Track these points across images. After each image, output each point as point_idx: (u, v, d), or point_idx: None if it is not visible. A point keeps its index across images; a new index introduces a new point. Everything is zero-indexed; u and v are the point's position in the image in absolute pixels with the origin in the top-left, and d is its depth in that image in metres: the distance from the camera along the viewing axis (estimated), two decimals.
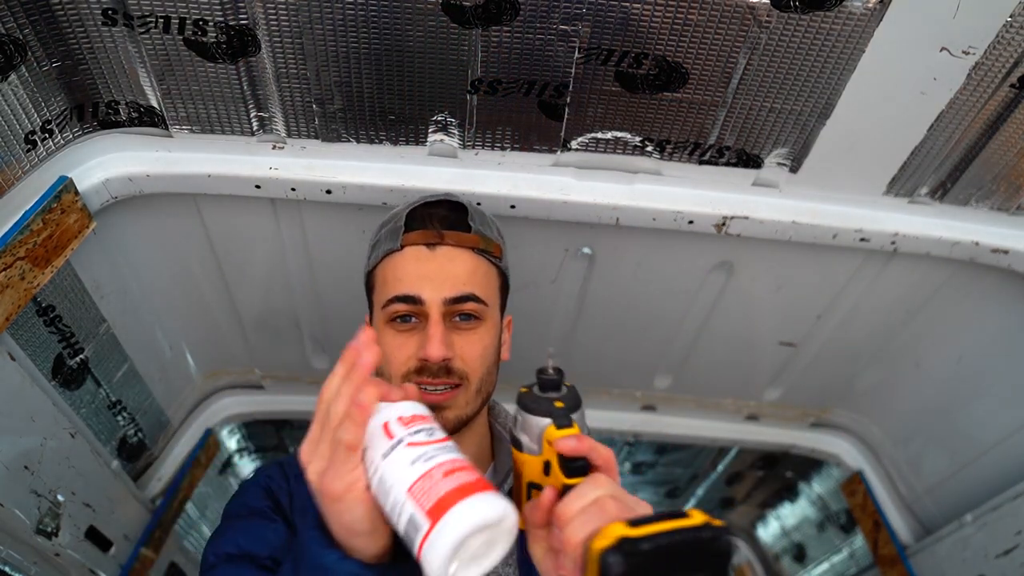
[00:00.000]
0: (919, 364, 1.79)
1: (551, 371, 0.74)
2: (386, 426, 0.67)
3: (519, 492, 0.76)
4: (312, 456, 0.68)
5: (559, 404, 0.72)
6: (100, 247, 1.38)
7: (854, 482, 2.13)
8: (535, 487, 0.74)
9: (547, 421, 0.71)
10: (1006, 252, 1.38)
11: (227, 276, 1.61)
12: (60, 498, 1.39)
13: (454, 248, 1.01)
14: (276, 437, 2.43)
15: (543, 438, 0.71)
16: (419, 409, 0.71)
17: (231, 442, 2.33)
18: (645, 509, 0.65)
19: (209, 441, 2.02)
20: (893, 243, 1.38)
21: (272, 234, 1.48)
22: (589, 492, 0.65)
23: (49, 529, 1.36)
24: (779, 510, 2.73)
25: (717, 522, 0.57)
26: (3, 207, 1.11)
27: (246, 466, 2.50)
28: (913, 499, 1.97)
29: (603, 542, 0.55)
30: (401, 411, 0.69)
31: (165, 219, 1.44)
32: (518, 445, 0.74)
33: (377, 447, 0.66)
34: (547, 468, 0.71)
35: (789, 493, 2.63)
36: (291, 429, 2.40)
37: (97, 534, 1.55)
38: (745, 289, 1.61)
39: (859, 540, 2.22)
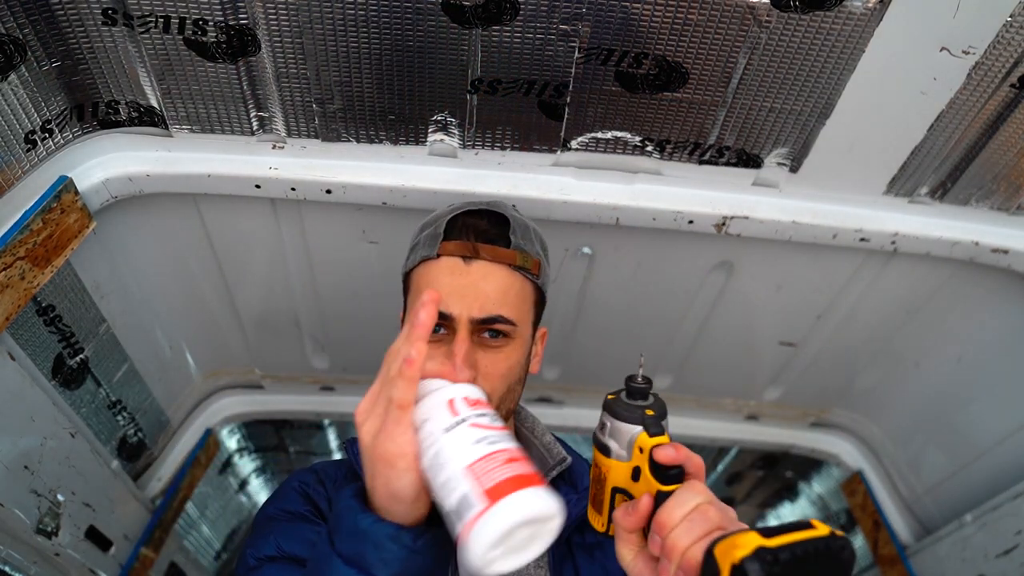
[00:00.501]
0: (919, 364, 1.79)
1: (641, 379, 0.75)
2: (451, 403, 0.67)
3: (601, 496, 0.78)
4: (367, 415, 0.68)
5: (649, 412, 0.73)
6: (100, 247, 1.38)
7: (854, 482, 2.13)
8: (621, 492, 0.75)
9: (639, 428, 0.72)
10: (1006, 252, 1.38)
11: (227, 276, 1.61)
12: (60, 498, 1.39)
13: (489, 264, 0.99)
14: (276, 437, 2.43)
15: (634, 445, 0.72)
16: (483, 395, 0.72)
17: (231, 442, 2.33)
18: (735, 516, 0.67)
19: (209, 441, 2.02)
20: (893, 243, 1.38)
21: (272, 234, 1.48)
22: (690, 499, 0.66)
23: (49, 529, 1.36)
24: (779, 510, 2.73)
25: (840, 533, 0.59)
26: (3, 207, 1.11)
27: (246, 466, 2.50)
28: (913, 499, 1.97)
29: (742, 551, 0.56)
30: (467, 392, 0.70)
31: (165, 219, 1.44)
32: (606, 451, 0.75)
33: (439, 420, 0.66)
34: (635, 474, 0.73)
35: (789, 493, 2.63)
36: (291, 429, 2.40)
37: (97, 534, 1.55)
38: (745, 289, 1.61)
39: (859, 540, 2.22)
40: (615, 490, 0.75)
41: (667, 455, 0.69)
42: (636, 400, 0.75)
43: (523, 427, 1.16)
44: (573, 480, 1.08)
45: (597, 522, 0.79)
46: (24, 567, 1.36)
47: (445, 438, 0.64)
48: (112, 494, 1.60)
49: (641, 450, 0.71)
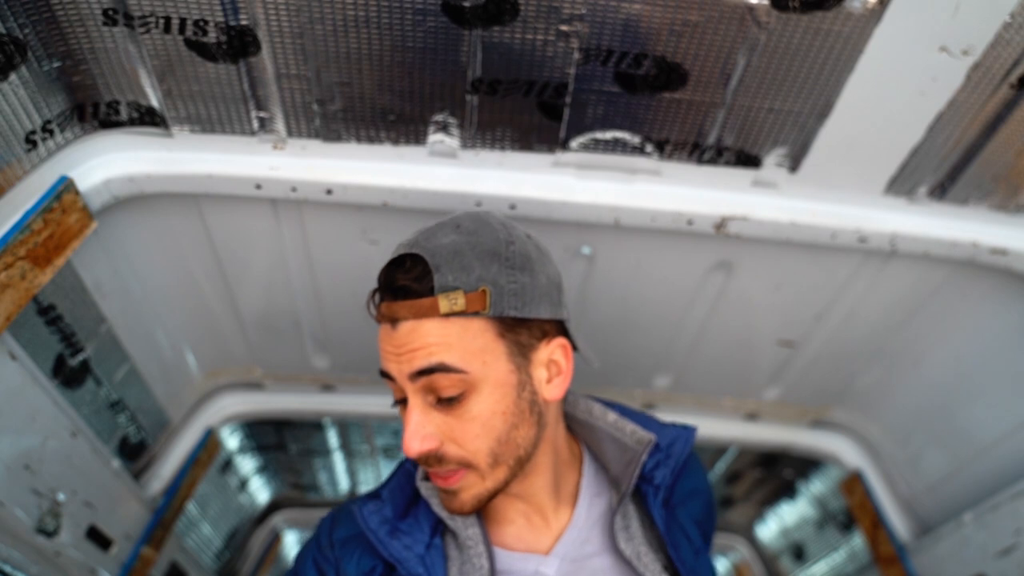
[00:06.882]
0: (918, 363, 1.80)
1: None
2: None
3: None
4: None
5: None
6: (101, 247, 1.39)
7: (853, 481, 2.13)
8: None
9: None
10: (1005, 252, 1.38)
11: (228, 275, 1.61)
12: (61, 497, 1.40)
13: (413, 321, 0.87)
14: (277, 436, 2.43)
15: None
16: None
17: (232, 441, 2.33)
18: None
19: (210, 440, 2.03)
20: (892, 243, 1.38)
21: (273, 234, 1.49)
22: None
23: (50, 528, 1.36)
24: (778, 509, 2.74)
25: None
26: (3, 207, 1.11)
27: (247, 465, 2.50)
28: (912, 498, 1.97)
29: None
30: None
31: (166, 219, 1.44)
32: None
33: None
34: None
35: (788, 492, 2.64)
36: (292, 428, 2.40)
37: (98, 533, 1.55)
38: (744, 289, 1.61)
39: (858, 539, 2.22)
40: None
41: None
42: None
43: (587, 426, 1.17)
44: (663, 449, 1.08)
45: None
46: (24, 566, 1.36)
47: None
48: (113, 493, 1.61)
49: None
